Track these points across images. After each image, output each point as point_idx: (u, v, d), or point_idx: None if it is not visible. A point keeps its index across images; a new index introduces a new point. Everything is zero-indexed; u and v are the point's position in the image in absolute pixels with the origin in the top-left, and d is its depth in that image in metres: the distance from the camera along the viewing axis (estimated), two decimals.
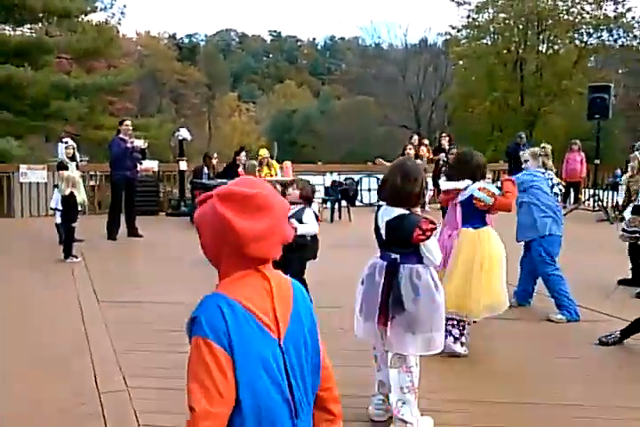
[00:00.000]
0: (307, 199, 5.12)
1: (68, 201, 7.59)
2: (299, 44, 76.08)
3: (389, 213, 3.22)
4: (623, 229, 6.82)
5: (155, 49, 48.76)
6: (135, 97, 40.67)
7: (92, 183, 13.32)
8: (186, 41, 65.19)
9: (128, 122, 9.62)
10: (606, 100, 12.78)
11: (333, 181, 12.24)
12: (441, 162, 13.77)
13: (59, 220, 8.03)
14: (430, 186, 14.01)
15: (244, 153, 11.69)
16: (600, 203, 12.75)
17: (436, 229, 3.16)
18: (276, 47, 74.75)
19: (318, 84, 64.13)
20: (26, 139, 22.25)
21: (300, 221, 4.98)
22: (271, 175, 11.51)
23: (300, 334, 1.58)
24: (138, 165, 9.69)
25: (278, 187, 6.86)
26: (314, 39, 77.65)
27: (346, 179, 12.18)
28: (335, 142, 40.68)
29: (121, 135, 9.50)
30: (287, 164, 11.96)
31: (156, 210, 12.34)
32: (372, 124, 40.76)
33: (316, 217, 5.20)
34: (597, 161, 13.33)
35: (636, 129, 32.22)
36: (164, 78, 46.39)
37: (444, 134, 14.43)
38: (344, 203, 11.89)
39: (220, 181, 10.83)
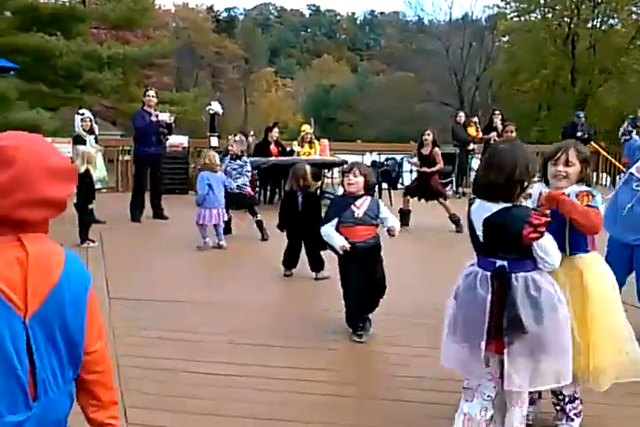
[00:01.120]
0: (372, 188, 4.26)
1: (84, 179, 6.85)
2: (337, 18, 74.64)
3: (487, 208, 2.53)
4: None
5: (192, 21, 47.93)
6: (172, 71, 40.11)
7: (126, 158, 12.66)
8: (224, 14, 64.24)
9: (151, 92, 8.82)
10: None
11: (373, 162, 11.32)
12: (492, 141, 12.78)
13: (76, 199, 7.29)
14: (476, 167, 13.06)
15: (276, 129, 10.87)
16: None
17: (549, 222, 2.47)
18: (314, 22, 73.41)
19: (357, 60, 62.89)
20: (60, 111, 21.78)
21: (376, 217, 4.11)
22: (309, 154, 10.66)
23: (56, 312, 1.49)
24: (164, 140, 8.94)
25: (308, 167, 5.94)
26: (353, 13, 76.11)
27: (387, 159, 11.25)
28: (374, 120, 39.52)
29: (145, 107, 8.75)
30: (324, 142, 11.10)
31: (185, 189, 11.58)
32: (413, 102, 39.42)
33: None
34: None
35: None
36: (201, 51, 45.62)
37: (496, 112, 13.35)
38: (384, 185, 10.98)
39: (252, 159, 10.05)
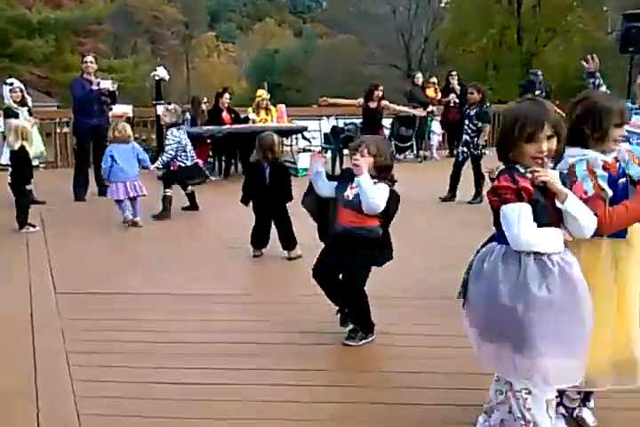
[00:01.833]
0: (384, 170, 3.41)
1: (19, 157, 6.10)
2: None
3: None
4: None
5: None
6: (108, 37, 38.23)
7: (65, 130, 11.74)
8: None
9: (89, 58, 7.97)
10: None
11: (334, 127, 10.75)
12: (451, 104, 12.35)
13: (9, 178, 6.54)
14: (439, 130, 12.63)
15: (227, 95, 10.11)
16: None
17: (517, 189, 2.11)
18: None
19: (299, 23, 61.40)
20: None
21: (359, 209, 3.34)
22: (265, 121, 10.02)
23: None
24: (107, 110, 8.16)
25: (276, 137, 5.37)
26: None
27: (347, 124, 10.67)
28: (321, 84, 38.66)
29: (84, 75, 7.92)
30: (281, 107, 10.45)
31: None
32: (359, 65, 38.70)
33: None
34: (629, 102, 11.92)
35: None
36: (138, 16, 43.55)
37: (453, 73, 12.92)
38: (346, 152, 10.46)
39: (206, 128, 9.37)
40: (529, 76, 14.16)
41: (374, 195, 3.31)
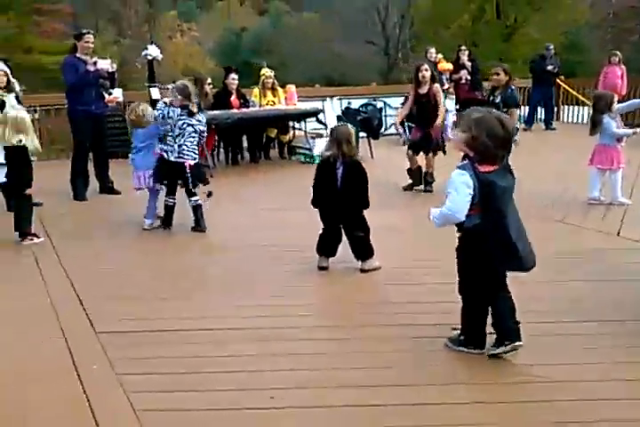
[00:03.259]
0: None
1: (17, 154, 5.03)
2: None
3: None
4: None
5: None
6: (67, 18, 36.27)
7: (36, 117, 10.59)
8: None
9: (90, 36, 6.77)
10: None
11: (346, 109, 9.81)
12: (463, 80, 11.51)
13: (2, 178, 5.39)
14: (452, 109, 11.78)
15: (234, 75, 9.00)
16: None
17: None
18: None
19: (261, 2, 59.75)
20: None
21: None
22: (274, 103, 9.02)
23: None
24: (105, 95, 7.07)
25: (351, 128, 4.40)
26: None
27: (363, 105, 9.73)
28: (296, 62, 37.46)
29: (78, 54, 6.79)
30: (291, 88, 9.45)
31: (126, 152, 9.62)
32: (332, 42, 37.48)
33: None
34: None
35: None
36: None
37: (462, 48, 12.09)
38: (362, 134, 9.56)
39: (213, 113, 8.31)
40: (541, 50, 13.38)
41: None
